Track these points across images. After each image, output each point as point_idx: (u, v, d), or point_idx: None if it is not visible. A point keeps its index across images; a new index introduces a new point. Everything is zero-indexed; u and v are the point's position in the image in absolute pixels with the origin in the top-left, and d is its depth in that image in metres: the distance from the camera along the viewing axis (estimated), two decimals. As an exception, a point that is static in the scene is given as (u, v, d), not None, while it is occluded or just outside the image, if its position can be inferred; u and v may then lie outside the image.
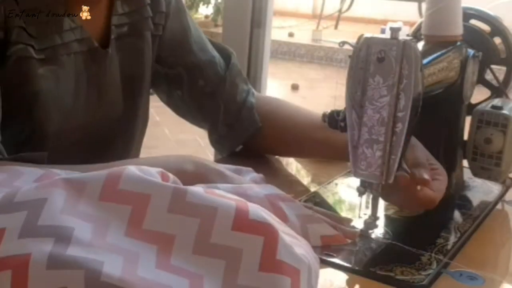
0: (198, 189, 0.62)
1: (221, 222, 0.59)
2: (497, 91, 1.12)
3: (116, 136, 0.95)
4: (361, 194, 0.88)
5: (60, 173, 0.72)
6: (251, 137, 1.09)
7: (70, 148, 0.88)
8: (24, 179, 0.70)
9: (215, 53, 1.07)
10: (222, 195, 0.63)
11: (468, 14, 1.10)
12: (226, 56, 1.08)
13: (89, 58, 0.87)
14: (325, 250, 0.81)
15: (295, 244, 0.63)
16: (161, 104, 1.18)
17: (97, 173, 0.61)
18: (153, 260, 0.57)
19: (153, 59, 0.99)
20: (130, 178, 0.60)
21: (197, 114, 1.10)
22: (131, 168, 0.62)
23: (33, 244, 0.53)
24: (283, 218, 0.77)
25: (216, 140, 1.12)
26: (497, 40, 1.11)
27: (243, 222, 0.60)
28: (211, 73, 1.05)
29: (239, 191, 0.77)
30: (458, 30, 1.02)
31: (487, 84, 1.13)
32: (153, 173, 0.63)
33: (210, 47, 1.07)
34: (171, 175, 0.66)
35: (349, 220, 0.89)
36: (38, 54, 0.82)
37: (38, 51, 0.81)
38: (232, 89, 1.06)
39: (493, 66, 1.12)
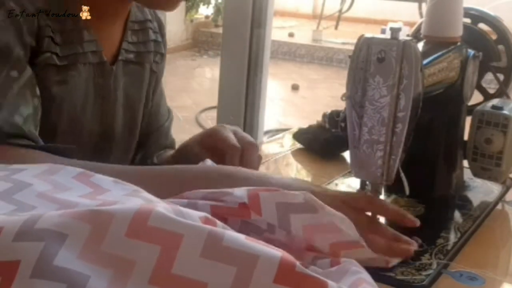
0: (238, 234, 0.56)
1: (262, 273, 0.52)
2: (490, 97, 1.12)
3: (116, 147, 1.02)
4: None
5: (93, 175, 0.71)
6: None
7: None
8: (62, 173, 0.70)
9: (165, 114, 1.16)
10: (265, 244, 0.56)
11: (473, 16, 1.10)
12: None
13: (98, 71, 0.95)
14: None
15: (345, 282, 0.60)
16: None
17: (128, 206, 0.57)
18: None
19: (150, 92, 1.08)
20: (162, 215, 0.55)
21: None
22: (166, 207, 0.56)
23: None
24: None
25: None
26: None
27: (287, 275, 0.53)
28: (159, 139, 1.14)
29: (214, 196, 0.71)
30: (458, 31, 1.02)
31: (482, 90, 1.14)
32: (194, 217, 0.57)
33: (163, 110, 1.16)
34: (218, 222, 0.58)
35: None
36: (61, 60, 0.88)
37: (61, 58, 0.88)
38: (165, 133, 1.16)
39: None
